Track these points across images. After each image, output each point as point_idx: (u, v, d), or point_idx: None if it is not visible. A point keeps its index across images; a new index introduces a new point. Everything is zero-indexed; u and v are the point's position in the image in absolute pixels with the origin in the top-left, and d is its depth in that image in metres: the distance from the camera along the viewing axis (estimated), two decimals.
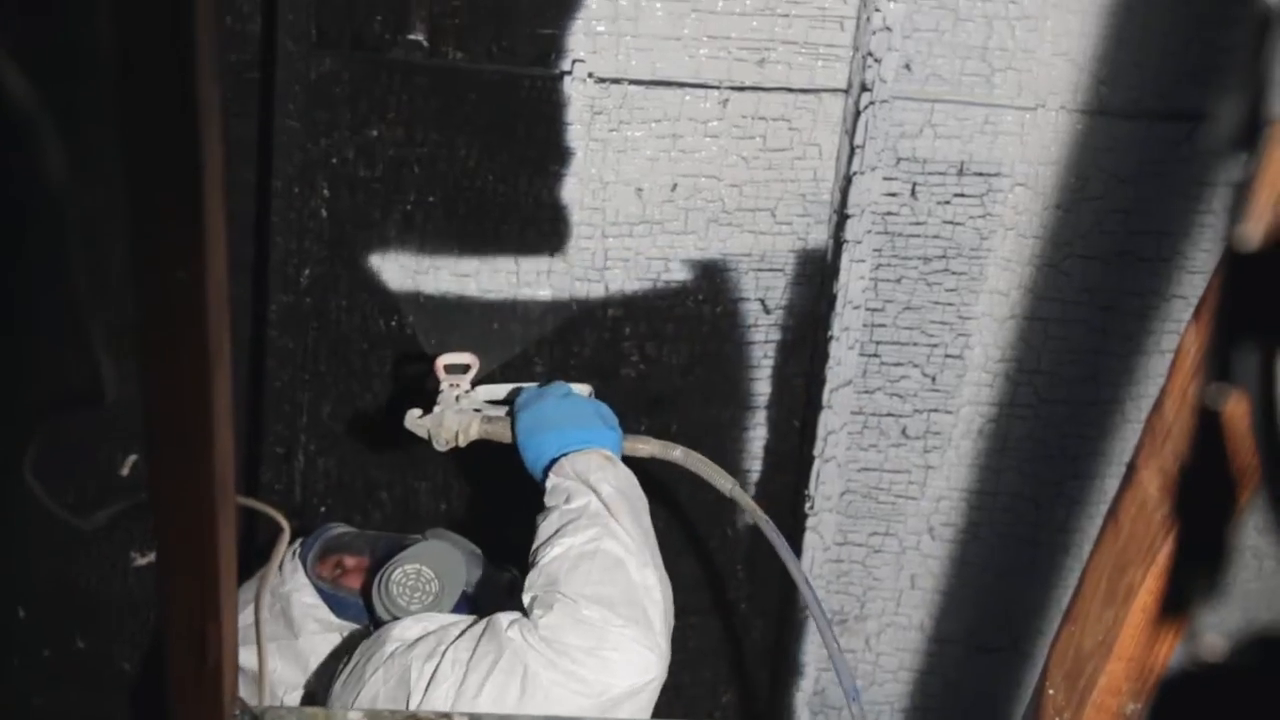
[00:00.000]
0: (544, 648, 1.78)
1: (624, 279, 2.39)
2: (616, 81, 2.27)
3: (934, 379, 2.53)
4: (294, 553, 2.19)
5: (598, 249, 2.36)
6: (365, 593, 2.10)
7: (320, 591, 2.14)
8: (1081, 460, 2.61)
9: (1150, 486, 1.53)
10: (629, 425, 2.18)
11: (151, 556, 2.40)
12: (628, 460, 2.09)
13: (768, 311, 2.46)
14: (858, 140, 2.29)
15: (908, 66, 2.31)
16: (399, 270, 2.33)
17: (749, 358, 2.49)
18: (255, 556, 2.20)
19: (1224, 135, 0.63)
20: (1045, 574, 2.69)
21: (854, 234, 2.35)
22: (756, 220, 2.39)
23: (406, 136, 2.26)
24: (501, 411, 2.17)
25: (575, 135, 2.29)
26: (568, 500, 1.94)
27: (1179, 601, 0.71)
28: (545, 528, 1.94)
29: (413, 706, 1.80)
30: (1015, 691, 2.77)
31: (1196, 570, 0.71)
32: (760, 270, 2.42)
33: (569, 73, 2.25)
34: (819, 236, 2.41)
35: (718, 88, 2.30)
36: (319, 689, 2.05)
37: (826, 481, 2.53)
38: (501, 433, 2.12)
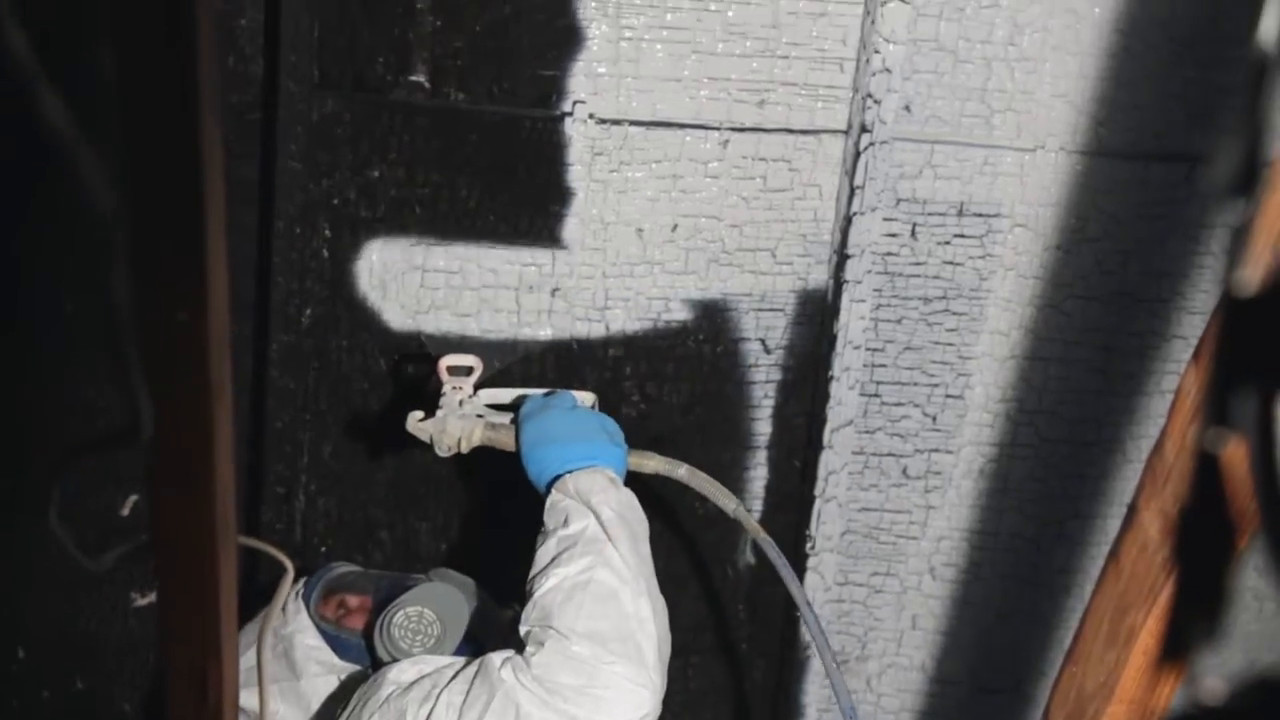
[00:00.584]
0: (536, 687, 1.77)
1: (625, 319, 2.39)
2: (617, 122, 2.28)
3: (935, 419, 2.53)
4: (297, 593, 2.18)
5: (598, 289, 2.37)
6: (368, 634, 2.09)
7: (323, 633, 2.13)
8: (1083, 500, 2.61)
9: (1151, 528, 1.53)
10: None
11: (152, 597, 2.40)
12: (632, 476, 2.07)
13: (768, 351, 2.46)
14: (858, 181, 2.30)
15: (907, 108, 2.32)
16: (400, 310, 2.34)
17: (750, 397, 2.49)
18: (256, 596, 2.20)
19: (1221, 180, 0.63)
20: (1047, 615, 2.69)
21: (854, 274, 2.36)
22: (757, 260, 2.39)
23: (408, 177, 2.27)
24: (505, 418, 2.13)
25: (576, 176, 2.30)
26: (566, 523, 1.92)
27: (1180, 644, 0.71)
28: (542, 554, 1.92)
29: None
30: None
31: (1197, 613, 0.71)
32: (761, 310, 2.43)
33: (570, 114, 2.26)
34: (819, 277, 2.42)
35: (718, 129, 2.31)
36: None
37: (827, 521, 2.53)
38: (505, 440, 2.09)
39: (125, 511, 2.34)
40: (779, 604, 2.62)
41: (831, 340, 2.41)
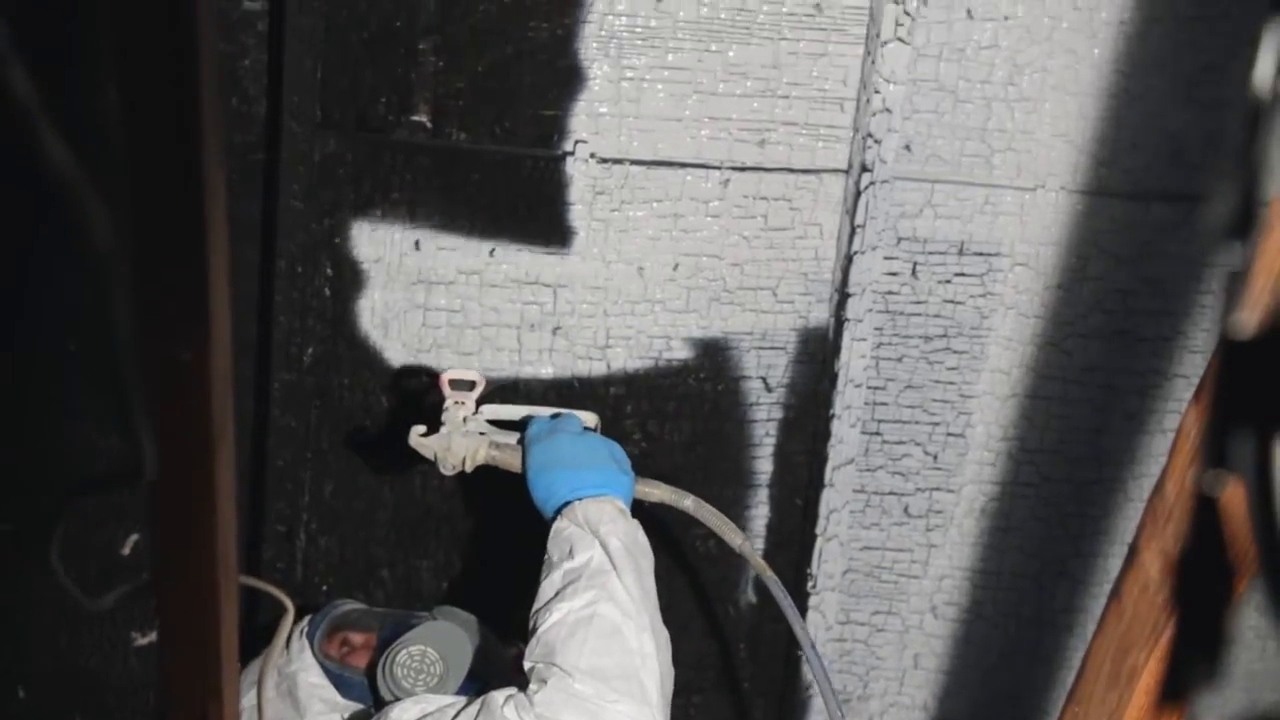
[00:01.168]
0: None
1: (626, 357, 2.39)
2: (618, 162, 2.29)
3: (936, 457, 2.53)
4: (301, 631, 2.17)
5: (599, 327, 2.37)
6: (371, 672, 2.08)
7: (326, 671, 2.12)
8: (1084, 539, 2.61)
9: (1152, 568, 1.53)
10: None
11: (152, 636, 2.39)
12: (636, 507, 2.04)
13: (769, 389, 2.46)
14: (858, 220, 2.31)
15: (908, 147, 2.32)
16: (401, 349, 2.34)
17: (751, 436, 2.49)
18: (257, 635, 2.19)
19: (1219, 223, 0.64)
20: (1049, 654, 2.68)
21: (855, 312, 2.36)
22: (758, 299, 2.40)
23: (409, 216, 2.28)
24: (510, 437, 2.09)
25: (578, 215, 2.31)
26: (571, 554, 1.90)
27: (1182, 684, 0.71)
28: (546, 587, 1.90)
29: None
30: None
31: (1199, 653, 0.71)
32: (762, 348, 2.43)
33: (571, 153, 2.27)
34: (820, 315, 2.42)
35: (719, 168, 2.32)
36: None
37: (829, 560, 2.53)
38: (510, 461, 2.05)
39: (126, 550, 2.34)
40: (780, 642, 2.62)
41: (833, 378, 2.42)
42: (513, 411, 2.19)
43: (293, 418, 2.34)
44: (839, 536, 2.52)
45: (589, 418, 2.16)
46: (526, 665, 1.85)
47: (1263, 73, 0.65)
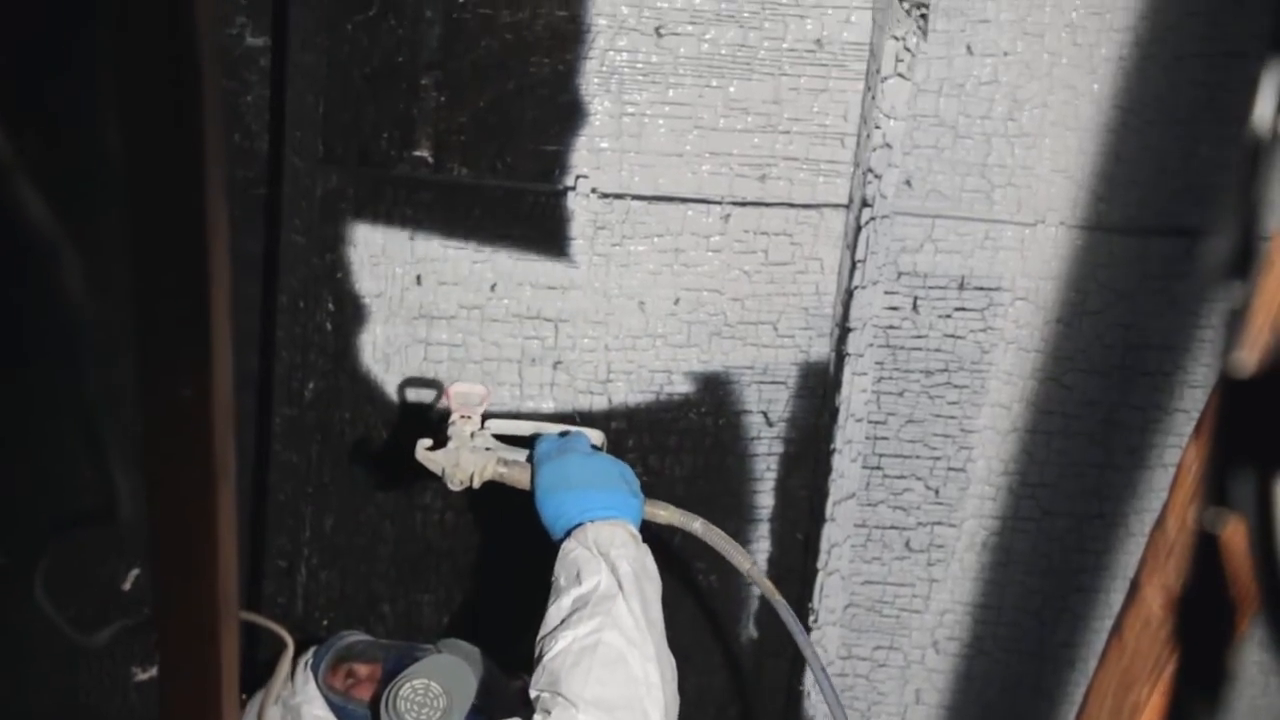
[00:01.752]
0: None
1: (627, 391, 2.39)
2: (620, 197, 2.29)
3: (937, 492, 2.53)
4: (306, 663, 2.17)
5: (600, 361, 2.37)
6: (375, 705, 2.08)
7: (330, 703, 2.11)
8: (1085, 574, 2.60)
9: (1154, 604, 1.53)
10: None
11: (153, 671, 2.39)
12: (645, 527, 2.03)
13: (770, 424, 2.46)
14: (859, 255, 2.31)
15: (908, 182, 2.33)
16: (402, 383, 2.34)
17: (752, 470, 2.49)
18: (257, 670, 2.19)
19: (1218, 262, 0.64)
20: (1051, 689, 2.67)
21: (856, 347, 2.37)
22: (759, 333, 2.40)
23: (411, 251, 2.28)
24: (516, 454, 2.07)
25: (579, 249, 2.31)
26: (578, 578, 1.88)
27: None
28: (553, 613, 1.89)
29: None
30: None
31: (1201, 689, 0.71)
32: (763, 383, 2.43)
33: (573, 188, 2.28)
34: (821, 350, 2.42)
35: (720, 203, 2.32)
36: None
37: (830, 595, 2.52)
38: (518, 478, 2.03)
39: (127, 585, 2.34)
40: (782, 677, 2.61)
41: (833, 413, 2.42)
42: (518, 427, 2.17)
43: (294, 452, 2.34)
44: (840, 571, 2.51)
45: (596, 435, 2.15)
46: (532, 694, 1.84)
47: (1262, 112, 0.66)
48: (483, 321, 2.33)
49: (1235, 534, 0.65)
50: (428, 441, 2.06)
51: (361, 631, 2.34)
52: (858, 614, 2.60)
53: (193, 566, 1.06)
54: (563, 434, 2.12)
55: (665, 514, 2.09)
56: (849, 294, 2.34)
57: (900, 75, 2.24)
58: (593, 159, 2.27)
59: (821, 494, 2.47)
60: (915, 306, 2.41)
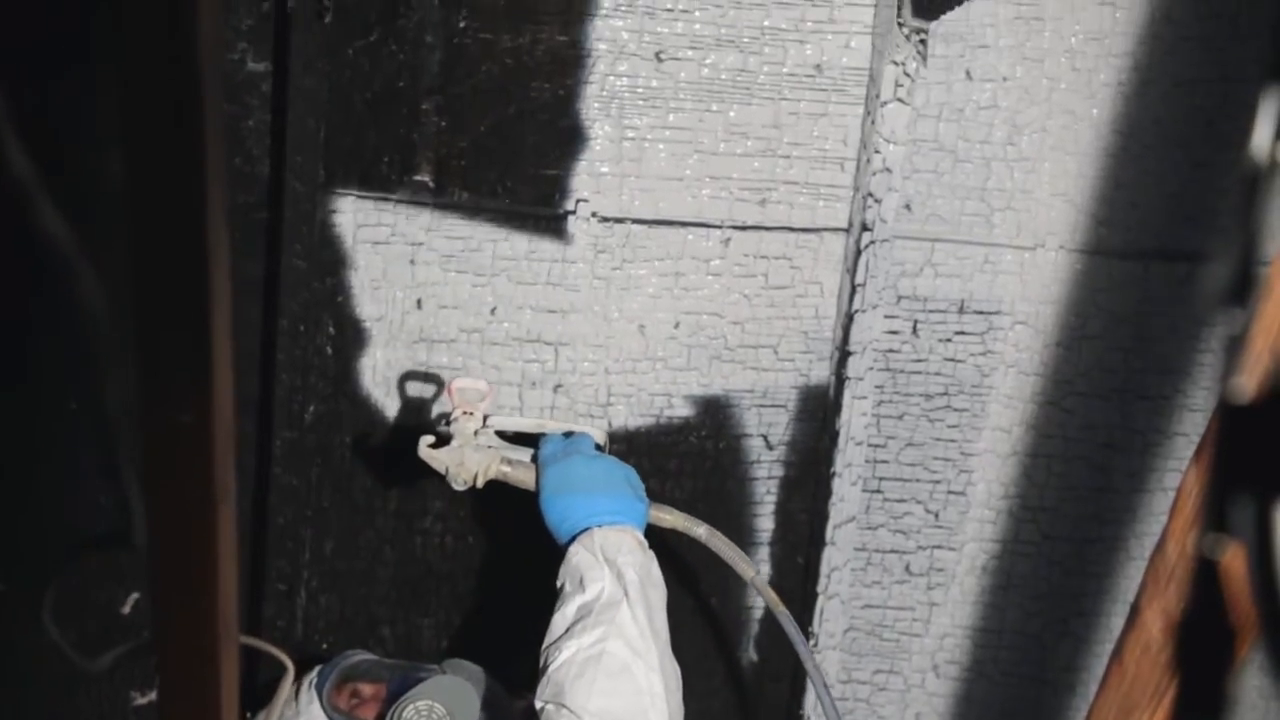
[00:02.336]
0: None
1: (627, 415, 2.39)
2: (620, 221, 2.30)
3: (937, 515, 2.53)
4: (310, 682, 2.16)
5: (600, 385, 2.37)
6: None
7: None
8: (1086, 598, 2.60)
9: (1154, 628, 1.53)
10: None
11: (152, 695, 2.38)
12: (650, 530, 2.02)
13: (770, 447, 2.46)
14: (859, 278, 2.32)
15: (908, 206, 2.34)
16: (404, 407, 2.34)
17: (752, 494, 2.49)
18: (257, 694, 2.19)
19: (1216, 289, 0.64)
20: (1051, 713, 2.67)
21: (856, 371, 2.37)
22: (759, 357, 2.40)
23: (411, 274, 2.28)
24: (520, 453, 2.05)
25: (579, 273, 2.31)
26: (582, 585, 1.87)
27: None
28: (558, 621, 1.87)
29: None
30: None
31: (1201, 714, 0.71)
32: (763, 406, 2.43)
33: (573, 212, 2.28)
34: (821, 373, 2.42)
35: (720, 227, 2.32)
36: None
37: (830, 619, 2.52)
38: (522, 479, 2.01)
39: (127, 609, 2.33)
40: (781, 700, 2.60)
41: (833, 436, 2.42)
42: (520, 424, 2.15)
43: (294, 476, 2.34)
44: (840, 595, 2.51)
45: (599, 433, 2.13)
46: (537, 704, 1.83)
47: (1260, 139, 0.66)
48: (483, 345, 2.33)
49: (1235, 560, 0.65)
50: (430, 439, 2.03)
51: (366, 651, 2.34)
52: (858, 638, 2.60)
53: (193, 590, 1.06)
54: (567, 434, 2.11)
55: (670, 518, 2.08)
56: (849, 318, 2.34)
57: (900, 100, 2.25)
58: (593, 183, 2.28)
59: (821, 517, 2.47)
60: (915, 330, 2.41)
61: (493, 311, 2.32)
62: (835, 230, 2.35)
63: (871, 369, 2.38)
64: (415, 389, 2.34)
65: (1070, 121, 2.33)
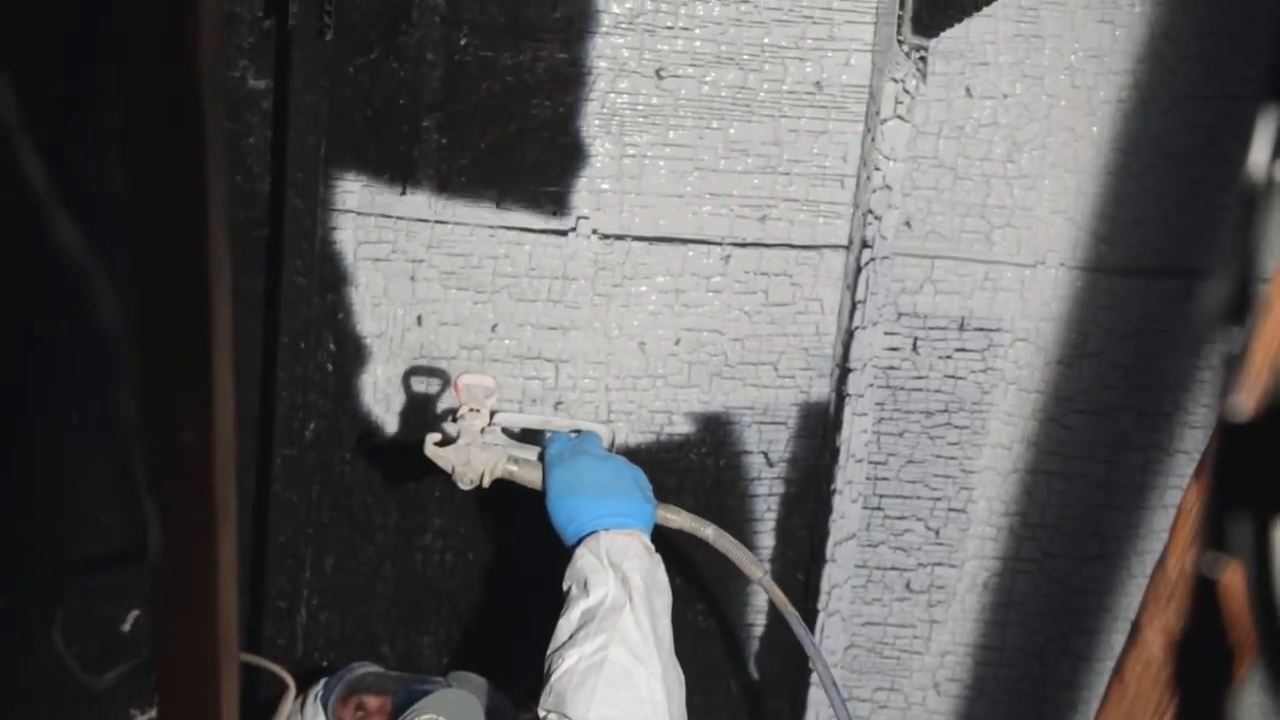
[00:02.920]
0: None
1: (627, 432, 2.39)
2: (620, 238, 2.30)
3: (938, 532, 2.53)
4: (316, 695, 2.16)
5: (601, 402, 2.37)
6: None
7: None
8: (1087, 616, 2.60)
9: (1155, 646, 1.53)
10: None
11: (152, 713, 2.38)
12: (657, 531, 2.00)
13: (771, 464, 2.46)
14: (859, 295, 2.32)
15: (908, 223, 2.34)
16: (404, 423, 2.34)
17: (752, 511, 2.49)
18: (258, 711, 2.18)
19: (1215, 307, 0.64)
20: None
21: (856, 388, 2.37)
22: (759, 374, 2.40)
23: (412, 291, 2.28)
24: (528, 452, 2.01)
25: (579, 290, 2.32)
26: (586, 589, 1.85)
27: None
28: (563, 627, 1.85)
29: None
30: None
31: None
32: (763, 423, 2.43)
33: (574, 229, 2.28)
34: (821, 390, 2.42)
35: (720, 244, 2.33)
36: None
37: (831, 636, 2.51)
38: (529, 478, 1.98)
39: (127, 627, 2.33)
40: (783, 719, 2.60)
41: (834, 453, 2.42)
42: (526, 420, 2.13)
43: (294, 493, 2.34)
44: (841, 612, 2.51)
45: (605, 431, 2.10)
46: (540, 713, 1.82)
47: (1258, 157, 0.66)
48: (484, 362, 2.33)
49: (1234, 578, 0.65)
50: (436, 436, 2.00)
51: (371, 663, 2.33)
52: (858, 655, 2.60)
53: (193, 607, 1.06)
54: (574, 433, 2.08)
55: (677, 519, 2.05)
56: (849, 334, 2.35)
57: (900, 117, 2.25)
58: (594, 200, 2.28)
59: (822, 535, 2.47)
60: (915, 347, 2.41)
61: (493, 328, 2.32)
62: (835, 247, 2.35)
63: (872, 386, 2.38)
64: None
65: (1070, 139, 2.34)
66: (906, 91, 2.24)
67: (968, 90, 2.31)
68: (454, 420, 2.02)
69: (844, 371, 2.37)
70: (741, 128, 2.28)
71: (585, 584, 1.86)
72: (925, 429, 2.46)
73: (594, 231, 2.29)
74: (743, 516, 2.49)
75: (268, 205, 2.21)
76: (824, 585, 2.48)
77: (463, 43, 2.21)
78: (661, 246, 2.32)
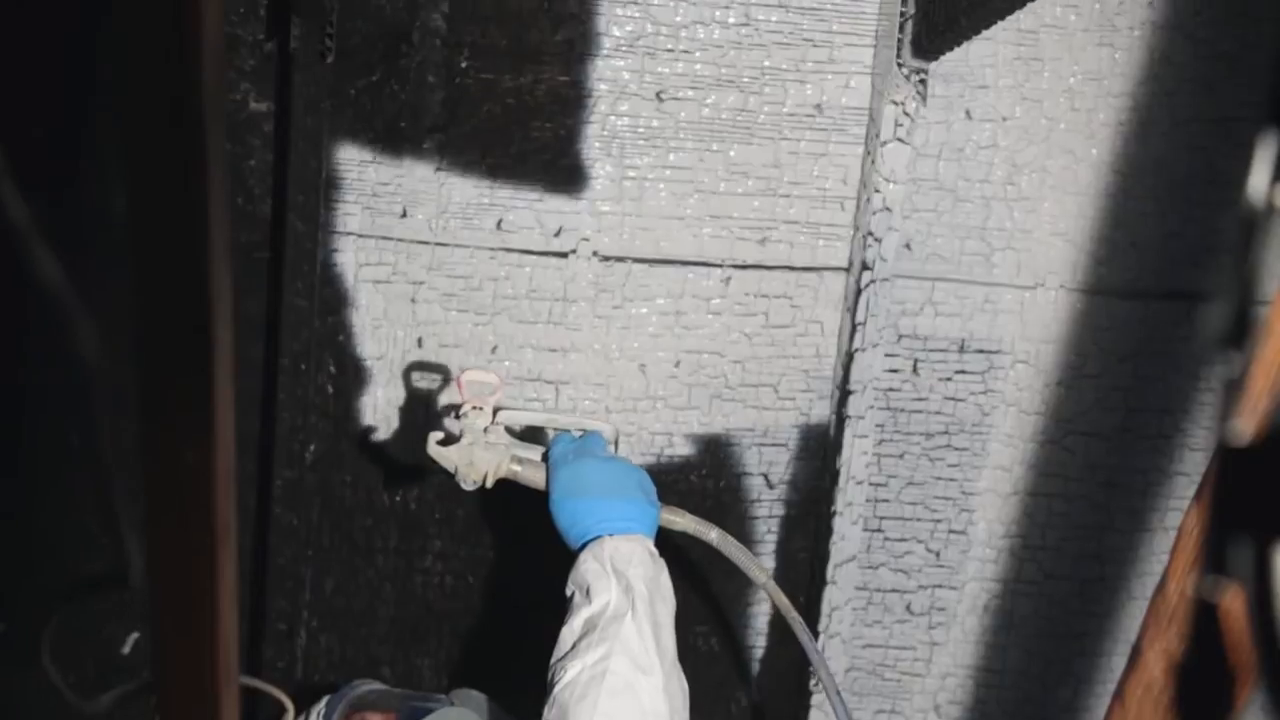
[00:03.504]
0: None
1: (628, 453, 2.39)
2: (621, 259, 2.30)
3: (938, 554, 2.53)
4: (319, 712, 2.15)
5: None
6: None
7: None
8: (1087, 638, 2.59)
9: (1155, 669, 1.52)
10: None
11: None
12: (662, 534, 1.96)
13: (771, 486, 2.46)
14: (859, 317, 2.32)
15: (908, 246, 2.34)
16: (403, 446, 2.34)
17: (753, 532, 2.49)
18: None
19: (1215, 332, 0.64)
20: None
21: (856, 409, 2.37)
22: (759, 396, 2.41)
23: (412, 313, 2.29)
24: (532, 451, 1.97)
25: (580, 312, 2.32)
26: (589, 595, 1.82)
27: None
28: (566, 635, 1.83)
29: None
30: None
31: None
32: (763, 445, 2.43)
33: (574, 251, 2.29)
34: (821, 412, 2.42)
35: (720, 266, 2.33)
36: None
37: (831, 658, 2.51)
38: (533, 478, 1.94)
39: (126, 649, 2.33)
40: None
41: (834, 475, 2.41)
42: (530, 418, 2.10)
43: (294, 515, 2.34)
44: (841, 634, 2.51)
45: (609, 430, 2.08)
46: None
47: (1258, 180, 0.66)
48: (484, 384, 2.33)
49: (1235, 601, 0.65)
50: (439, 435, 1.94)
51: (375, 680, 2.32)
52: (859, 678, 2.59)
53: (193, 629, 1.06)
54: (579, 433, 2.06)
55: (682, 521, 2.03)
56: (849, 356, 2.35)
57: (900, 140, 2.26)
58: (594, 222, 2.28)
59: (822, 557, 2.46)
60: (915, 369, 2.41)
61: (494, 350, 2.32)
62: (836, 269, 2.36)
63: (872, 408, 2.38)
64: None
65: (1070, 161, 2.34)
66: (906, 114, 2.25)
67: (967, 113, 2.31)
68: (456, 417, 1.97)
69: (844, 393, 2.37)
70: (742, 150, 2.29)
71: (588, 590, 1.84)
72: (925, 451, 2.46)
73: (594, 253, 2.29)
74: (743, 538, 2.48)
75: (269, 228, 2.21)
76: (824, 607, 2.48)
77: (463, 65, 2.21)
78: (662, 268, 2.32)
